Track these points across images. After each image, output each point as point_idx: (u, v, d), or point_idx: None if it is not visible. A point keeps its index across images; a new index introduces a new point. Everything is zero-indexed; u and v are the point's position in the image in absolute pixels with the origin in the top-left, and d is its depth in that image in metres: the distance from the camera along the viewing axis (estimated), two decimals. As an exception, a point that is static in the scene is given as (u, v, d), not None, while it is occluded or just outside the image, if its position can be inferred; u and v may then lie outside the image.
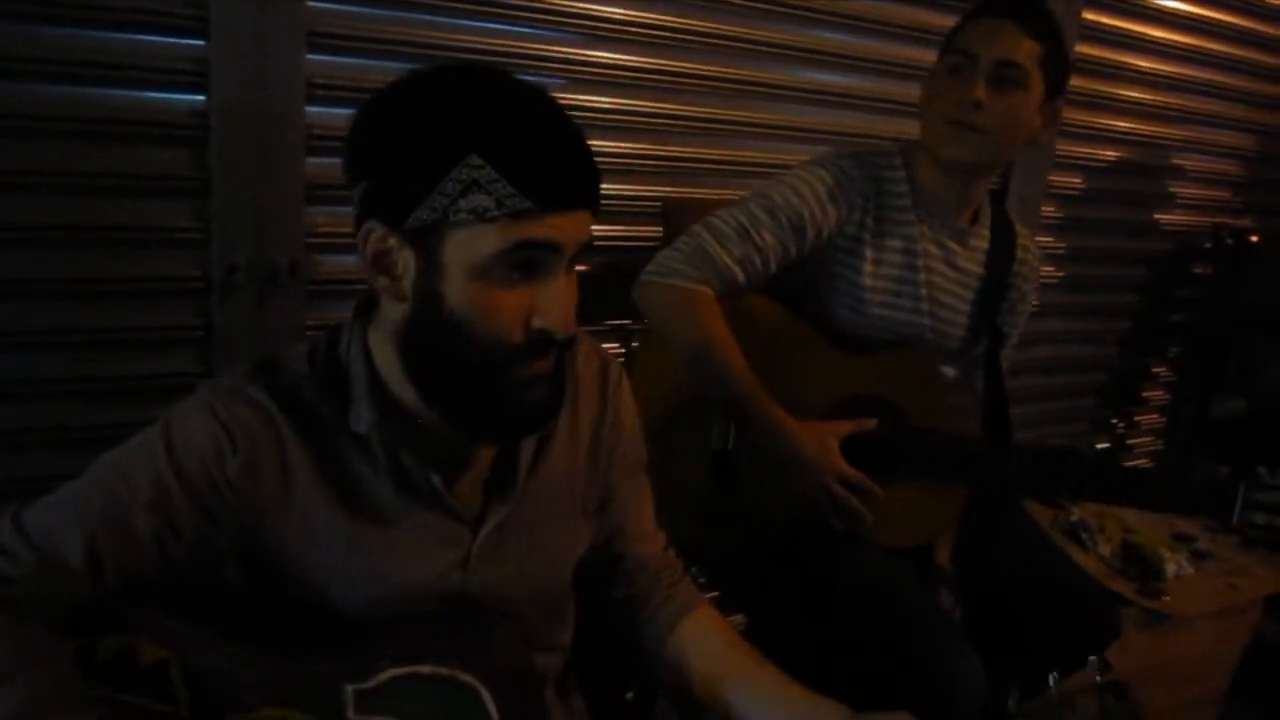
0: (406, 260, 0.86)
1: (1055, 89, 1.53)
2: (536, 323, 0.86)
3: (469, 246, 0.82)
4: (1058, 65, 1.52)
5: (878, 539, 1.50)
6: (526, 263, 0.84)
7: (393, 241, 0.85)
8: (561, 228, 0.84)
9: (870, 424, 1.51)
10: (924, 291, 1.60)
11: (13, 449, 1.50)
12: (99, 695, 0.82)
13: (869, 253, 1.57)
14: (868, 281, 1.57)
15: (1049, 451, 1.52)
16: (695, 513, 1.53)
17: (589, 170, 0.87)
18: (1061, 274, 2.76)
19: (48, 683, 0.78)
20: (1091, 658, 0.96)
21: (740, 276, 1.51)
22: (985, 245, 1.65)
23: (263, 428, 0.91)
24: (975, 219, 1.65)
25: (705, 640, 1.13)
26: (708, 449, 1.56)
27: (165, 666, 0.86)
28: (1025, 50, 1.48)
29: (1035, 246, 1.75)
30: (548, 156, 0.83)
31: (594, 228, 0.90)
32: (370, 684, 0.88)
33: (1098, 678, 0.93)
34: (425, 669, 0.89)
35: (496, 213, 0.80)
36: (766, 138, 2.08)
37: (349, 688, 0.88)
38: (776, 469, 1.46)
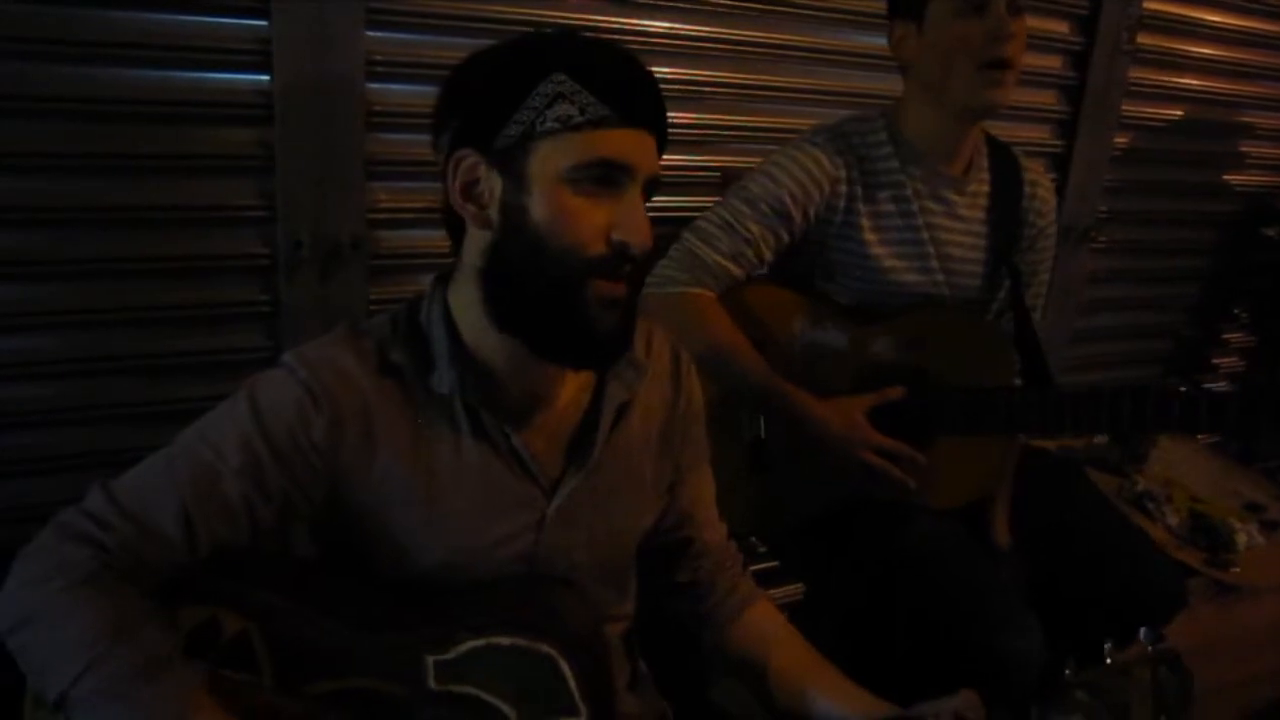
0: (493, 185, 0.91)
1: None
2: (616, 236, 0.90)
3: (553, 158, 0.88)
4: None
5: (928, 503, 1.50)
6: (603, 178, 0.89)
7: (481, 169, 0.91)
8: (635, 147, 0.90)
9: (896, 392, 1.50)
10: (930, 249, 1.57)
11: (86, 424, 1.55)
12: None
13: (865, 221, 1.54)
14: (871, 250, 1.54)
15: (1081, 389, 1.48)
16: (741, 502, 1.53)
17: (658, 94, 0.94)
18: (1126, 238, 2.70)
19: (161, 642, 0.82)
20: (1144, 628, 0.95)
21: (736, 271, 1.51)
22: (986, 189, 1.61)
23: (346, 390, 0.94)
24: (970, 164, 1.60)
25: (766, 635, 1.16)
26: (741, 439, 1.57)
27: (247, 637, 0.88)
28: None
29: (1046, 179, 1.70)
30: (623, 72, 0.91)
31: (653, 199, 0.95)
32: (450, 655, 0.90)
33: (1150, 648, 0.92)
34: (503, 640, 0.90)
35: (581, 119, 0.87)
36: (826, 104, 2.04)
37: (429, 659, 0.90)
38: (811, 450, 1.47)
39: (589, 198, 0.89)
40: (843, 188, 1.53)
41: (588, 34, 0.96)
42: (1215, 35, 2.63)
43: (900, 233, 1.56)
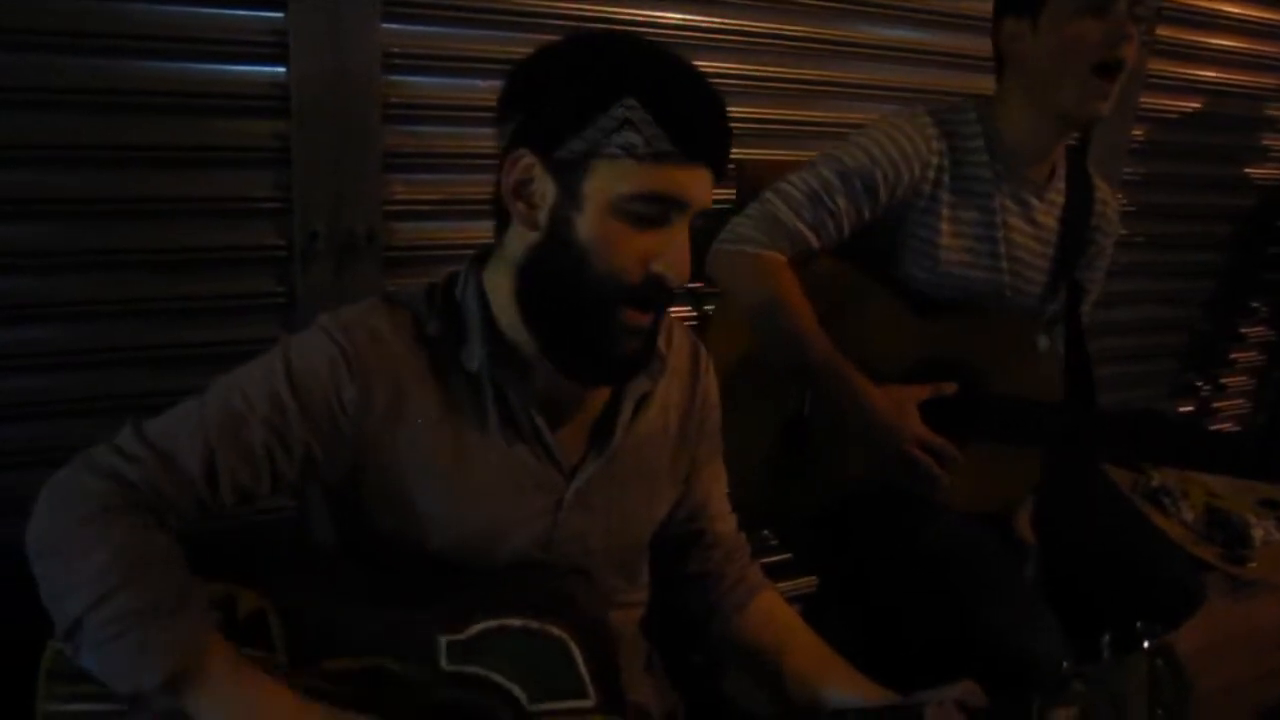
0: (546, 190, 0.91)
1: None
2: (655, 268, 0.91)
3: (610, 182, 0.89)
4: None
5: (954, 504, 1.49)
6: (656, 215, 0.90)
7: (537, 171, 0.91)
8: (692, 183, 0.90)
9: (949, 388, 1.49)
10: (1002, 249, 1.56)
11: (94, 415, 1.55)
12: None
13: (945, 211, 1.53)
14: (944, 241, 1.54)
15: (1131, 416, 1.47)
16: (767, 477, 1.53)
17: (726, 130, 0.93)
18: (1143, 232, 2.68)
19: (175, 584, 0.83)
20: (1140, 621, 0.95)
21: (813, 241, 1.50)
22: (1061, 199, 1.60)
23: (379, 355, 0.95)
24: (1052, 173, 1.60)
25: (772, 622, 1.17)
26: (780, 414, 1.56)
27: (263, 616, 0.90)
28: None
29: (1115, 200, 1.69)
30: (695, 109, 0.90)
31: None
32: (463, 636, 0.91)
33: (1147, 641, 0.93)
34: (516, 622, 0.92)
35: (644, 150, 0.87)
36: (838, 96, 2.04)
37: (442, 639, 0.91)
38: (852, 433, 1.46)
39: (636, 226, 0.90)
40: (931, 173, 1.52)
41: (674, 54, 0.94)
42: (1234, 27, 2.61)
43: (975, 228, 1.55)
